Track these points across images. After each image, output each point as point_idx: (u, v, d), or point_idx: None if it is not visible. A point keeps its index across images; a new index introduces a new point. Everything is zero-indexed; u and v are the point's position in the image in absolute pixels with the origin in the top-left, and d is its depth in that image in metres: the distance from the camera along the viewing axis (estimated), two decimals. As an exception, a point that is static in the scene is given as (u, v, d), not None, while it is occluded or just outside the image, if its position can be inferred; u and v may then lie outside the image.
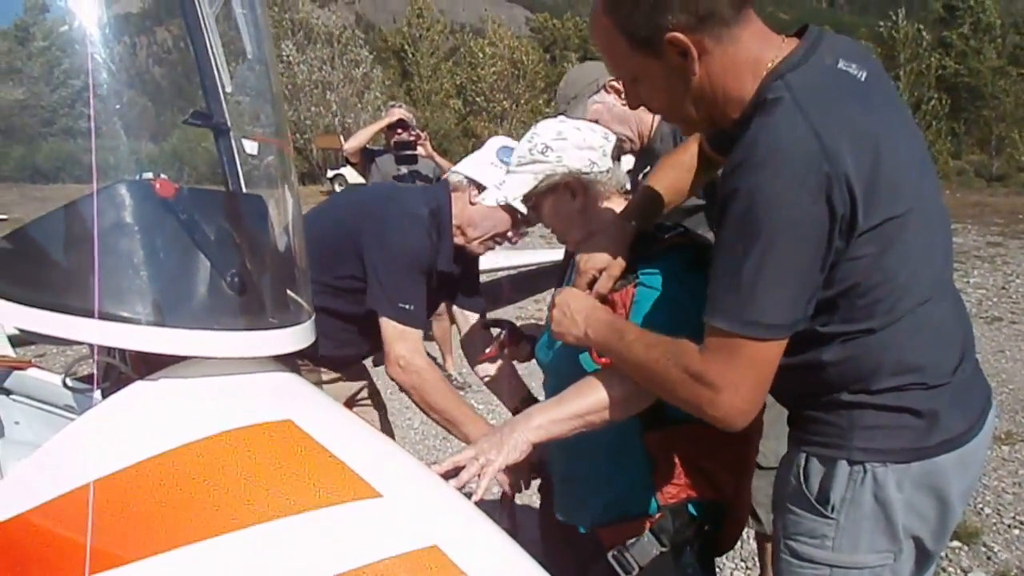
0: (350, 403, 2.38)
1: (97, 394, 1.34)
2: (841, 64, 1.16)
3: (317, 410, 1.26)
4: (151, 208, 1.25)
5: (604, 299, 1.45)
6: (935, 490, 1.19)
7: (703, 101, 1.17)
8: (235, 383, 1.23)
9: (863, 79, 1.16)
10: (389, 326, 1.90)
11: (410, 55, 35.49)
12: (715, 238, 1.14)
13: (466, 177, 2.01)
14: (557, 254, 3.18)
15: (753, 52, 1.13)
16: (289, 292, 1.40)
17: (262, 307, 1.33)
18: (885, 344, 1.15)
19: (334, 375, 2.27)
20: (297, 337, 1.34)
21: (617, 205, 1.59)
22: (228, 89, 1.60)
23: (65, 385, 1.23)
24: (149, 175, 1.30)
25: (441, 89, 33.80)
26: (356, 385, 2.40)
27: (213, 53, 1.56)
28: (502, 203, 1.63)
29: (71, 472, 1.13)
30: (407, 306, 1.90)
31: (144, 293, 1.23)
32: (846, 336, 1.16)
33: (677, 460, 1.45)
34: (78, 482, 1.11)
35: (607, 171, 1.58)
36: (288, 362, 1.37)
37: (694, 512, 1.47)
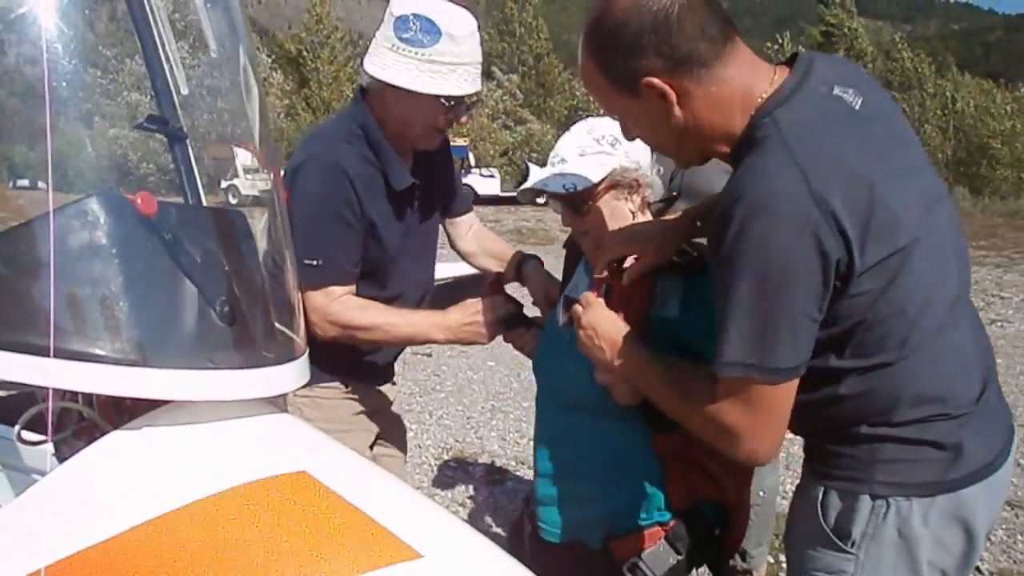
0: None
1: (48, 448, 1.13)
2: (836, 91, 1.15)
3: (331, 457, 1.11)
4: (130, 227, 1.06)
5: (610, 289, 1.44)
6: (962, 522, 1.17)
7: (690, 138, 1.17)
8: (233, 430, 1.06)
9: (858, 106, 1.14)
10: (303, 293, 1.69)
11: (308, 62, 34.64)
12: (714, 279, 1.13)
13: (371, 77, 1.72)
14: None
15: (741, 87, 1.13)
16: (279, 324, 1.23)
17: (254, 341, 1.16)
18: (902, 376, 1.13)
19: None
20: (296, 374, 1.18)
21: (647, 217, 1.55)
22: (184, 91, 1.43)
23: (20, 439, 1.02)
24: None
25: (341, 96, 33.16)
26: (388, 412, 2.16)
27: (164, 51, 1.39)
28: (562, 191, 1.51)
29: (33, 550, 0.93)
30: (314, 262, 1.70)
31: (123, 327, 1.04)
32: (861, 370, 1.14)
33: (685, 462, 1.42)
34: (39, 565, 0.91)
35: (656, 173, 1.56)
36: (281, 403, 1.21)
37: (704, 515, 1.45)
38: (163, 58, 1.37)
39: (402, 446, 2.21)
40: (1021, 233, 12.77)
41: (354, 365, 1.91)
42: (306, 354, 1.25)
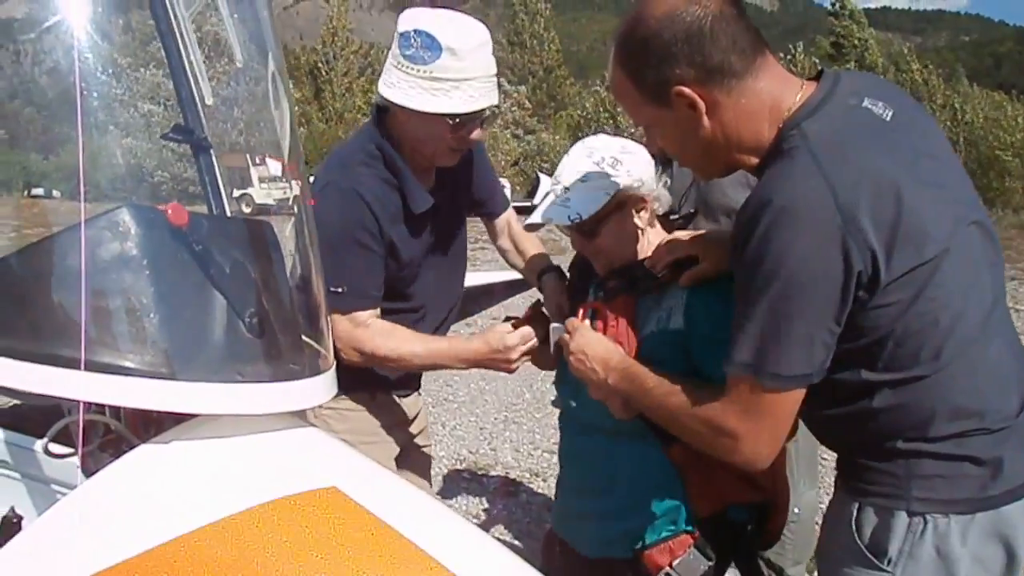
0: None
1: (75, 461, 1.12)
2: (866, 103, 1.15)
3: (360, 472, 1.09)
4: (161, 238, 1.05)
5: (597, 312, 1.48)
6: (1003, 540, 1.14)
7: (717, 149, 1.17)
8: (262, 444, 1.05)
9: (889, 118, 1.14)
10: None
11: (324, 73, 34.95)
12: (735, 281, 1.13)
13: (383, 98, 1.68)
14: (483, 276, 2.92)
15: (770, 100, 1.13)
16: (307, 337, 1.22)
17: (283, 353, 1.15)
18: (938, 389, 1.11)
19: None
20: (324, 387, 1.16)
21: (658, 231, 1.54)
22: (208, 102, 1.43)
23: (47, 452, 1.01)
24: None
25: (354, 106, 33.39)
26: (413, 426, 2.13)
27: (189, 60, 1.39)
28: (568, 223, 1.49)
29: (62, 566, 0.91)
30: (338, 289, 1.67)
31: (152, 339, 1.03)
32: (895, 383, 1.12)
33: (707, 468, 1.39)
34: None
35: (663, 186, 1.55)
36: (307, 417, 1.20)
37: (735, 517, 1.44)
38: (188, 68, 1.37)
39: (427, 459, 2.19)
40: (1036, 245, 12.64)
41: (380, 375, 1.89)
42: (333, 367, 1.24)
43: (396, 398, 2.02)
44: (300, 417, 1.17)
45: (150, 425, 1.12)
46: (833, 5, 31.02)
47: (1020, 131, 22.80)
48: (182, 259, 1.06)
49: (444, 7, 1.76)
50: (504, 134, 30.02)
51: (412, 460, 2.09)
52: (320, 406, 1.38)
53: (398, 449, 2.02)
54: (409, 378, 2.05)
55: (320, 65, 35.20)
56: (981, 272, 1.15)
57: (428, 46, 1.57)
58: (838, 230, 1.01)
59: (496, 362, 1.69)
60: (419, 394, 2.15)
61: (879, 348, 1.10)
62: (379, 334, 1.72)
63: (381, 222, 1.72)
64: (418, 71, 1.59)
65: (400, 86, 1.61)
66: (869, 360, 1.12)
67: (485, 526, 3.60)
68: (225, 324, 1.07)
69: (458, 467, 4.31)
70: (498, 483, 4.08)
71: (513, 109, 33.89)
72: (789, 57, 28.92)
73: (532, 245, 2.13)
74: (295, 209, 1.32)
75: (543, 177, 1.63)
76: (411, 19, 1.62)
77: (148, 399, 0.99)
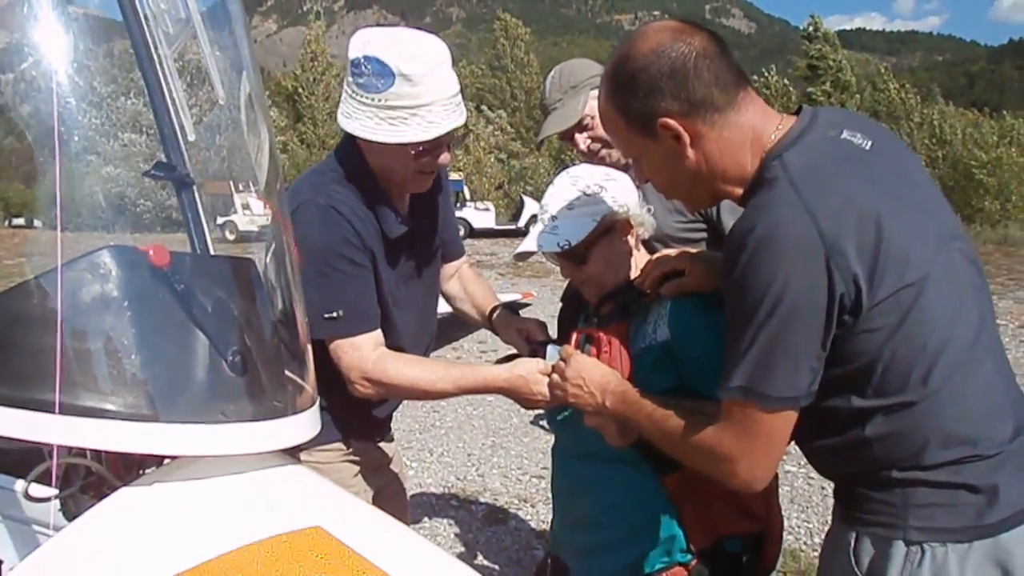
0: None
1: (54, 506, 1.11)
2: (845, 134, 1.19)
3: (346, 511, 1.08)
4: (143, 279, 1.04)
5: (591, 338, 1.51)
6: (1001, 568, 1.14)
7: (702, 180, 1.21)
8: (245, 484, 1.04)
9: (868, 147, 1.18)
10: (329, 347, 1.59)
11: (304, 98, 35.00)
12: (725, 306, 1.16)
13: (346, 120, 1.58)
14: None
15: (751, 133, 1.18)
16: (290, 373, 1.22)
17: (266, 391, 1.14)
18: (929, 415, 1.13)
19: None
20: (309, 424, 1.16)
21: (643, 255, 1.56)
22: (191, 137, 1.44)
23: (28, 497, 0.99)
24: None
25: (337, 132, 33.44)
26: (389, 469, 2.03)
27: (172, 96, 1.39)
28: (557, 250, 1.49)
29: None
30: (333, 314, 1.57)
31: (132, 381, 1.02)
32: (886, 410, 1.14)
33: (702, 498, 1.42)
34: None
35: (647, 212, 1.58)
36: (291, 455, 1.19)
37: (731, 549, 1.44)
38: (169, 103, 1.37)
39: (403, 503, 2.11)
40: (1014, 260, 12.84)
41: (355, 422, 1.80)
42: (316, 404, 1.23)
43: (371, 444, 1.94)
44: (285, 455, 1.17)
45: (132, 467, 1.11)
46: (807, 28, 31.59)
47: (994, 149, 23.21)
48: (163, 299, 1.05)
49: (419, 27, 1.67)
50: (488, 158, 30.18)
51: (388, 506, 1.97)
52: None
53: (371, 496, 1.91)
54: (383, 422, 1.97)
55: (300, 90, 35.27)
56: (966, 296, 1.17)
57: (380, 73, 1.48)
58: (820, 255, 1.05)
59: (526, 394, 1.58)
60: (391, 440, 2.07)
61: (868, 374, 1.12)
62: (391, 359, 1.61)
63: (363, 236, 1.63)
64: (373, 99, 1.50)
65: (357, 116, 1.54)
66: (859, 387, 1.14)
67: (473, 554, 3.57)
68: (207, 363, 1.06)
69: (446, 494, 4.27)
70: (486, 510, 4.05)
71: (496, 134, 34.13)
72: (763, 79, 29.36)
73: (483, 289, 2.05)
74: (277, 238, 1.31)
75: (527, 200, 1.64)
76: (361, 43, 1.52)
77: (128, 442, 0.98)
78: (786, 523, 3.81)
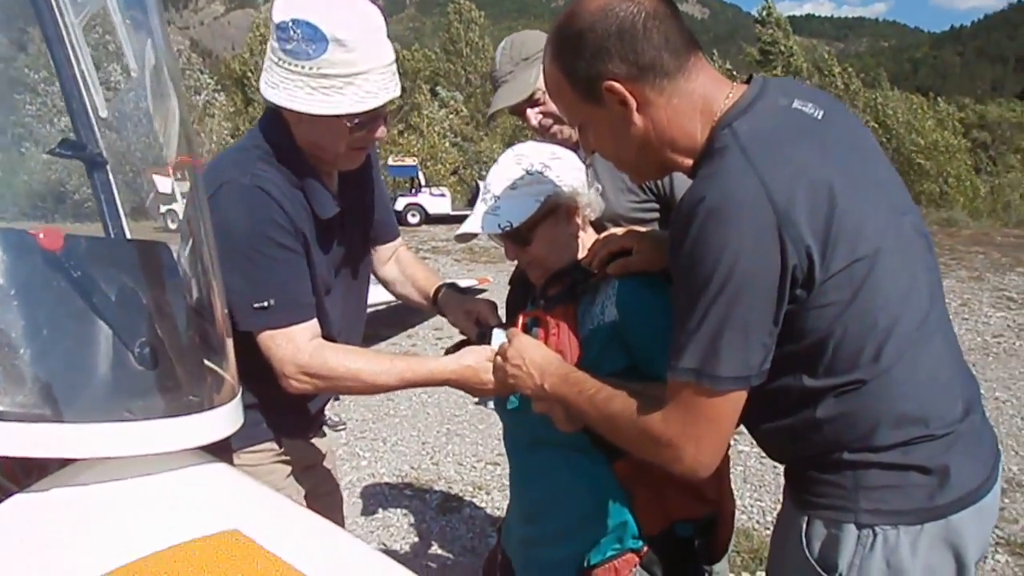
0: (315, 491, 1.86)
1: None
2: (796, 103, 1.15)
3: (267, 512, 1.01)
4: (33, 265, 0.95)
5: (538, 320, 1.46)
6: (952, 550, 1.13)
7: (650, 150, 1.16)
8: (155, 487, 0.96)
9: (820, 117, 1.14)
10: (258, 339, 1.47)
11: (253, 83, 34.16)
12: (672, 291, 1.11)
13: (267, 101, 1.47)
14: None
15: (701, 101, 1.13)
16: (209, 363, 1.13)
17: (180, 385, 1.06)
18: (879, 395, 1.10)
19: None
20: (227, 420, 1.08)
21: (591, 235, 1.52)
22: (103, 113, 1.34)
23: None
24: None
25: (289, 116, 32.74)
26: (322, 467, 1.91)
27: (81, 69, 1.29)
28: (499, 231, 1.43)
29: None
30: (264, 303, 1.45)
31: (25, 378, 0.93)
32: (836, 389, 1.11)
33: (654, 483, 1.38)
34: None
35: (595, 192, 1.53)
36: (211, 452, 1.11)
37: (682, 533, 1.42)
38: (79, 78, 1.27)
39: (337, 500, 2.01)
40: (955, 240, 13.25)
41: (286, 419, 1.68)
42: (239, 396, 1.15)
43: (304, 441, 1.83)
44: (204, 453, 1.09)
45: (32, 471, 1.02)
46: (759, 13, 32.00)
47: (932, 133, 23.88)
48: (59, 288, 0.96)
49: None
50: (443, 143, 29.89)
51: (325, 503, 1.90)
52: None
53: (306, 494, 1.82)
54: (315, 417, 1.85)
55: (249, 74, 34.43)
56: (917, 273, 1.14)
57: (311, 38, 1.36)
58: (772, 226, 1.01)
59: (476, 384, 1.51)
60: (324, 435, 1.96)
61: (820, 352, 1.09)
62: (330, 350, 1.50)
63: (293, 219, 1.50)
64: (302, 67, 1.38)
65: (285, 86, 1.41)
66: (810, 365, 1.11)
67: (428, 543, 3.52)
68: (111, 357, 0.98)
69: (400, 483, 4.21)
70: (440, 498, 4.00)
71: (450, 116, 33.80)
72: (717, 66, 29.72)
73: (423, 270, 1.95)
74: (193, 220, 1.22)
75: (483, 184, 1.57)
76: (287, 5, 1.39)
77: (20, 445, 0.89)
78: (739, 503, 3.86)
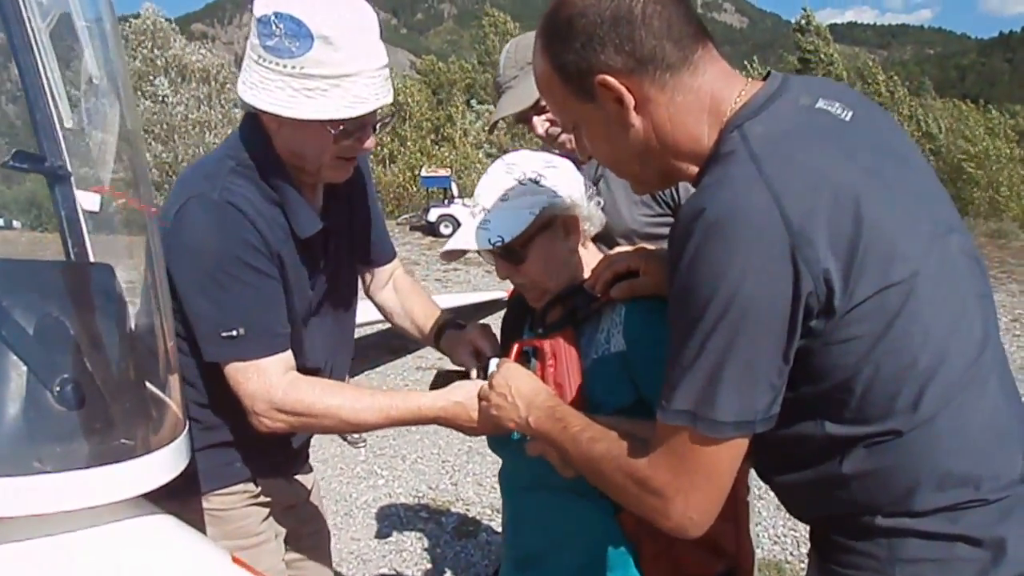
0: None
1: None
2: (821, 103, 0.98)
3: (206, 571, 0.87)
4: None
5: (536, 351, 1.31)
6: None
7: (650, 155, 1.02)
8: (76, 547, 0.83)
9: (848, 119, 0.97)
10: (226, 371, 1.33)
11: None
12: (668, 317, 0.95)
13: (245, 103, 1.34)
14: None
15: (709, 99, 0.98)
16: (152, 398, 1.01)
17: (112, 426, 0.93)
18: (919, 450, 0.92)
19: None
20: (166, 464, 0.95)
21: (593, 253, 1.37)
22: (68, 124, 1.24)
23: None
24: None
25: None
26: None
27: (46, 77, 1.20)
28: (489, 247, 1.29)
29: None
30: (233, 332, 1.31)
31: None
32: (867, 441, 0.93)
33: (663, 537, 1.20)
34: None
35: (596, 205, 1.38)
36: (153, 499, 0.98)
37: None
38: (45, 87, 1.18)
39: (324, 541, 1.82)
40: (1006, 252, 12.71)
41: (264, 457, 1.52)
42: (185, 432, 1.02)
43: (285, 480, 1.65)
44: (144, 502, 0.96)
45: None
46: (799, 22, 31.49)
47: (982, 141, 23.12)
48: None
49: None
50: (476, 153, 29.98)
51: (309, 544, 1.73)
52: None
53: (283, 546, 1.65)
54: (298, 453, 1.67)
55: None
56: (968, 301, 0.96)
57: (294, 34, 1.23)
58: (784, 246, 0.85)
59: (466, 422, 1.35)
60: (309, 471, 1.77)
61: (845, 395, 0.92)
62: (306, 385, 1.36)
63: (268, 240, 1.35)
64: (285, 66, 1.25)
65: (265, 87, 1.27)
66: (834, 410, 0.93)
67: (441, 570, 3.38)
68: (22, 396, 0.85)
69: (416, 505, 4.07)
70: (457, 521, 3.85)
71: (484, 128, 33.93)
72: (744, 72, 29.37)
73: (422, 301, 1.77)
74: (147, 241, 1.10)
75: (472, 198, 1.42)
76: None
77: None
78: (772, 532, 3.63)
